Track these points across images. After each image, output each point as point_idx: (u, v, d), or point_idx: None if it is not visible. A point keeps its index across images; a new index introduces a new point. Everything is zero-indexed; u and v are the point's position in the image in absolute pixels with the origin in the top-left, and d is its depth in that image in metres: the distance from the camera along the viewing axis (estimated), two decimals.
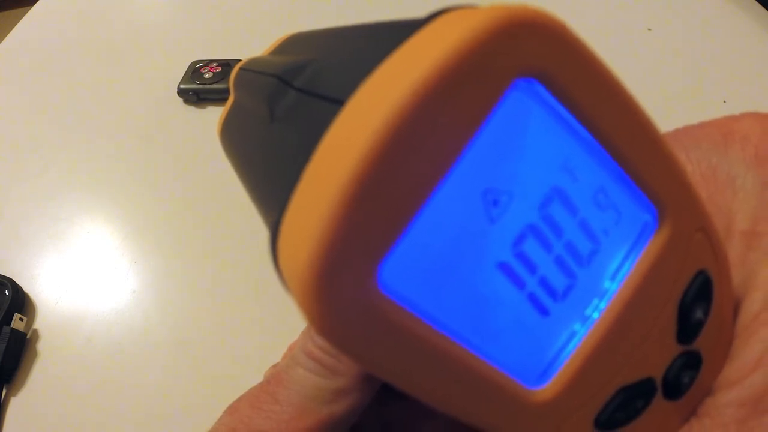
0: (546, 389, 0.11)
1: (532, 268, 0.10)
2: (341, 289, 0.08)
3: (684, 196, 0.11)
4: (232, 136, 0.15)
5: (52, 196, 0.43)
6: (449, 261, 0.09)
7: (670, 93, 0.46)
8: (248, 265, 0.37)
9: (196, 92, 0.48)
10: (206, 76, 0.48)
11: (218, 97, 0.48)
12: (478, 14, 0.08)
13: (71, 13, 0.62)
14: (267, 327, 0.35)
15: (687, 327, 0.12)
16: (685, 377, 0.12)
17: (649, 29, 0.51)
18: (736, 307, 0.13)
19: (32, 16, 0.63)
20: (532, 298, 0.10)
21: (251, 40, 0.54)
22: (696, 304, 0.12)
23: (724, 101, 0.45)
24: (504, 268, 0.10)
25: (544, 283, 0.10)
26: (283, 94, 0.12)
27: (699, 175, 0.14)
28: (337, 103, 0.09)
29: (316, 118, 0.09)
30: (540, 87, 0.09)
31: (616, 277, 0.11)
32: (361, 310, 0.08)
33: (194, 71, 0.49)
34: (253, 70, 0.15)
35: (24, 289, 0.37)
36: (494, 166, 0.09)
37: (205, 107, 0.48)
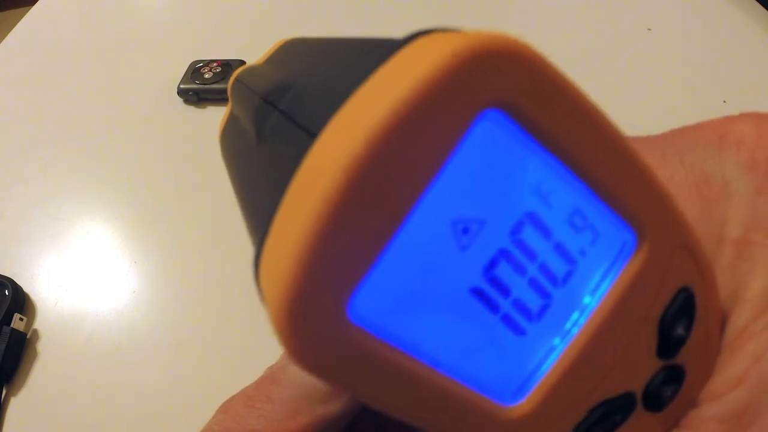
0: (521, 405, 0.11)
1: (505, 291, 0.10)
2: (312, 320, 0.08)
3: (664, 215, 0.11)
4: (229, 146, 0.15)
5: (52, 196, 0.43)
6: (421, 289, 0.10)
7: (670, 93, 0.46)
8: (248, 265, 0.37)
9: (196, 92, 0.48)
10: (206, 76, 0.48)
11: (218, 97, 0.48)
12: (447, 43, 0.08)
13: (71, 13, 0.62)
14: (267, 327, 0.35)
15: (668, 343, 0.12)
16: (666, 391, 0.12)
17: (649, 29, 0.51)
18: (724, 320, 0.13)
19: (32, 16, 0.63)
20: (507, 320, 0.11)
21: (251, 40, 0.54)
22: (677, 320, 0.12)
23: (724, 101, 0.45)
24: (476, 293, 0.10)
25: (518, 304, 0.10)
26: (268, 115, 0.12)
27: (693, 181, 0.14)
28: (312, 135, 0.09)
29: (294, 147, 0.09)
30: (506, 118, 0.09)
31: (595, 296, 0.11)
32: (333, 339, 0.09)
33: (194, 71, 0.49)
34: (245, 83, 0.15)
35: (24, 289, 0.37)
36: (463, 195, 0.09)
37: (205, 107, 0.48)
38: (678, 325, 0.12)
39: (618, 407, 0.12)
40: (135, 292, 0.37)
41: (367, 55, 0.09)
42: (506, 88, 0.09)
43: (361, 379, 0.09)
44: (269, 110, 0.12)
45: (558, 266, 0.11)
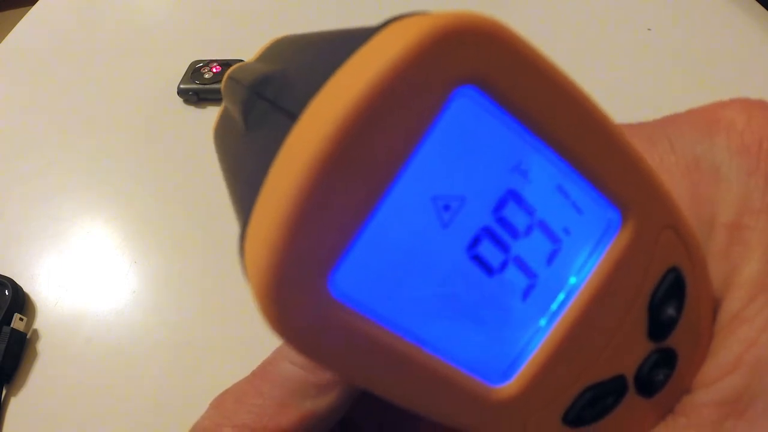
0: (509, 386, 0.11)
1: (489, 270, 0.10)
2: (293, 295, 0.09)
3: (649, 194, 0.11)
4: (220, 141, 0.16)
5: (52, 196, 0.43)
6: (403, 265, 0.10)
7: (670, 93, 0.46)
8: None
9: (196, 92, 0.48)
10: (206, 76, 0.48)
11: (218, 97, 0.48)
12: (418, 24, 0.08)
13: (71, 13, 0.62)
14: (267, 327, 0.35)
15: (658, 324, 0.12)
16: (658, 375, 0.12)
17: (649, 29, 0.51)
18: (716, 305, 0.13)
19: (32, 16, 0.63)
20: (492, 298, 0.10)
21: (251, 40, 0.54)
22: (667, 301, 0.12)
23: None
24: (460, 270, 0.10)
25: (503, 283, 0.10)
26: (254, 105, 0.12)
27: (683, 166, 0.13)
28: (293, 117, 0.09)
29: (278, 131, 0.10)
30: (481, 94, 0.09)
31: (581, 275, 0.11)
32: (314, 315, 0.09)
33: (194, 71, 0.49)
34: (235, 78, 0.15)
35: (24, 289, 0.37)
36: (443, 173, 0.10)
37: (205, 107, 0.48)
38: (668, 306, 0.12)
39: (609, 390, 0.12)
40: (135, 292, 0.37)
41: (346, 43, 0.10)
42: (479, 65, 0.09)
43: (345, 356, 0.09)
44: (255, 100, 0.12)
45: (543, 245, 0.11)
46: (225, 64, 0.49)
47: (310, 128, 0.09)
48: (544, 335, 0.11)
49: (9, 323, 0.35)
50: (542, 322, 0.11)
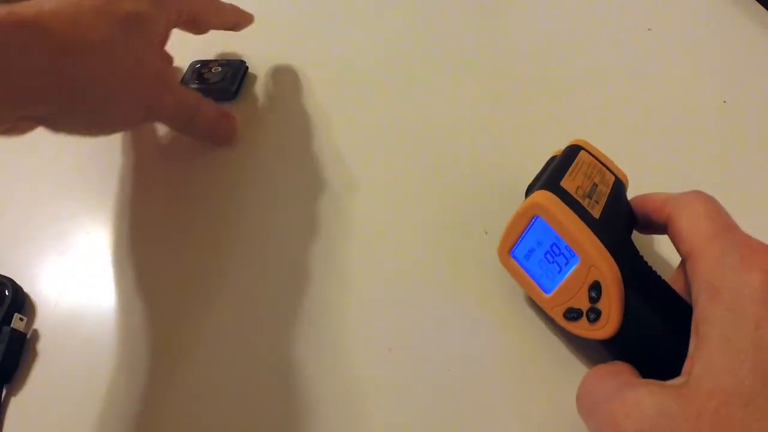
0: (550, 295, 0.31)
1: (547, 262, 0.31)
2: (504, 251, 0.32)
3: (592, 256, 0.28)
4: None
5: (52, 196, 0.43)
6: (526, 254, 0.31)
7: (670, 93, 0.46)
8: (248, 265, 0.37)
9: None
10: (206, 76, 0.48)
11: (218, 97, 0.48)
12: (535, 197, 0.29)
13: None
14: (267, 327, 0.35)
15: (591, 296, 0.28)
16: (593, 314, 0.28)
17: (649, 29, 0.52)
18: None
19: None
20: (546, 272, 0.31)
21: (251, 40, 0.54)
22: (594, 288, 0.28)
23: (724, 101, 0.45)
24: (541, 261, 0.31)
25: (549, 268, 0.31)
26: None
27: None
28: (530, 192, 0.33)
29: (529, 192, 0.33)
30: (542, 220, 0.29)
31: (567, 272, 0.29)
32: (508, 259, 0.32)
33: (194, 71, 0.49)
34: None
35: (24, 289, 0.37)
36: (534, 237, 0.30)
37: None
38: (593, 290, 0.28)
39: (576, 312, 0.29)
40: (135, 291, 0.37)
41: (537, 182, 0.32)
42: (542, 212, 0.29)
43: (512, 270, 0.33)
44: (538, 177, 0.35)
45: (558, 261, 0.30)
46: (225, 64, 0.49)
47: (525, 204, 0.30)
48: (556, 285, 0.30)
49: (9, 323, 0.35)
50: (555, 282, 0.30)
